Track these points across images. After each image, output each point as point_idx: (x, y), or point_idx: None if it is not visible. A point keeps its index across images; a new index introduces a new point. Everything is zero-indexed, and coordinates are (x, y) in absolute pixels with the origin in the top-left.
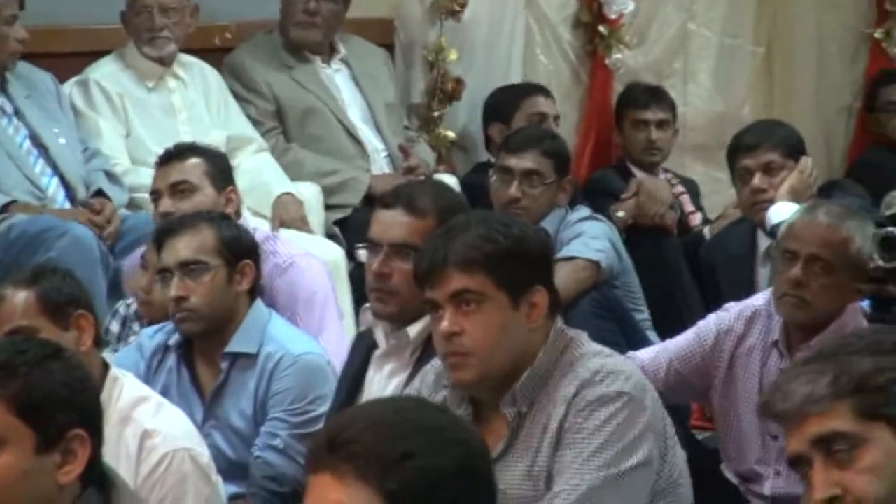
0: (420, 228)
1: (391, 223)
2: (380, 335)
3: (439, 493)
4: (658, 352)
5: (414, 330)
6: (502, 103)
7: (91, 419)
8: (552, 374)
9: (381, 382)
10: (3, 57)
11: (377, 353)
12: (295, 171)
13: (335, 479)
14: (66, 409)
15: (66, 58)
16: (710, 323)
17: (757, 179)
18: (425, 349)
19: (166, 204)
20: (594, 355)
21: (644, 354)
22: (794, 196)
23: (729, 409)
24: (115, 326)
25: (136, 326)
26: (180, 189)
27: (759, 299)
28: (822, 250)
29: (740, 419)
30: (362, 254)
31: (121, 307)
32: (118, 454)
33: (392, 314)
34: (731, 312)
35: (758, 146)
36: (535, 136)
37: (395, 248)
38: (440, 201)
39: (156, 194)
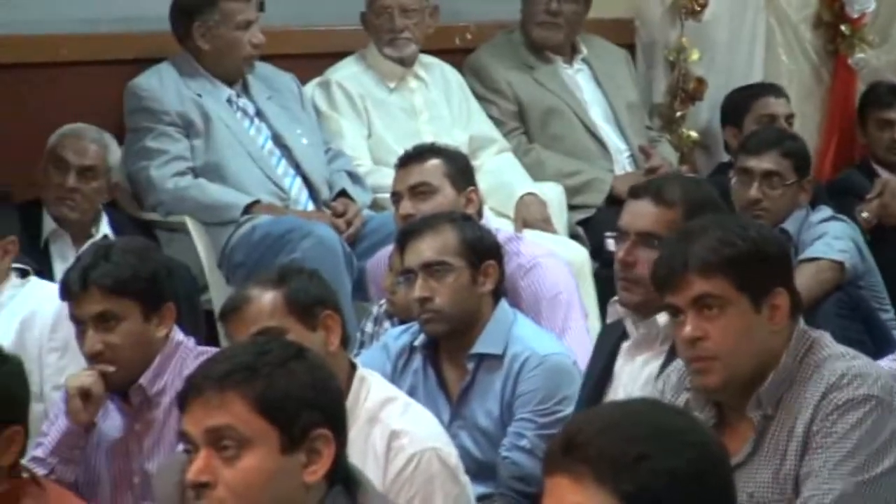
0: (666, 219)
1: (638, 213)
2: (630, 325)
3: (675, 495)
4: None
5: (663, 318)
6: (734, 106)
7: (334, 418)
8: (797, 377)
9: (633, 373)
10: (238, 62)
11: (627, 343)
12: (537, 172)
13: (572, 481)
14: (310, 408)
15: (306, 59)
16: None
17: None
18: None
19: (406, 206)
20: (839, 357)
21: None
22: None
23: None
24: (369, 327)
25: (386, 324)
26: (420, 191)
27: None
28: None
29: None
30: (610, 242)
31: (373, 308)
32: (366, 454)
33: (637, 303)
34: None
35: None
36: (775, 137)
37: (641, 236)
38: (689, 194)
39: (396, 196)
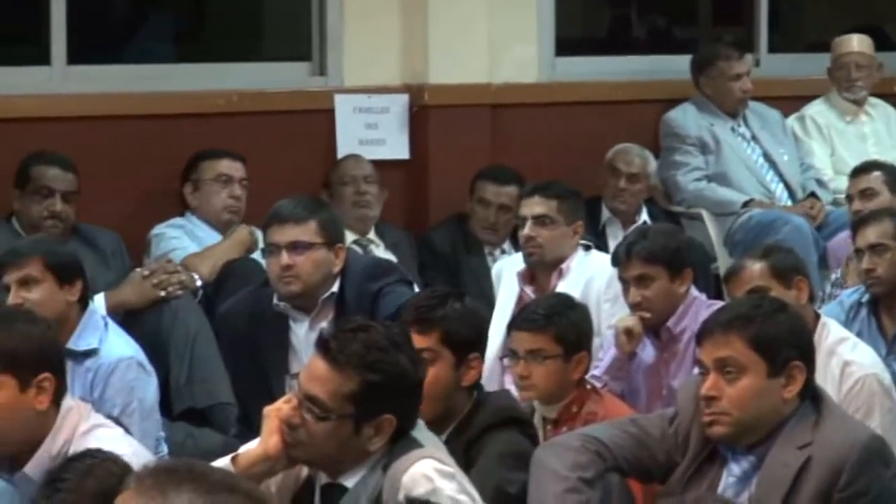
0: None
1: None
2: None
3: None
4: None
5: None
6: None
7: (806, 353)
8: None
9: None
10: (733, 103)
11: None
12: None
13: None
14: (789, 346)
15: (790, 100)
16: None
17: None
18: None
19: (857, 204)
20: None
21: None
22: None
23: None
24: (828, 288)
25: (838, 290)
26: (867, 194)
27: None
28: None
29: None
30: None
31: (832, 275)
32: (825, 378)
33: None
34: None
35: None
36: None
37: None
38: None
39: (849, 198)
